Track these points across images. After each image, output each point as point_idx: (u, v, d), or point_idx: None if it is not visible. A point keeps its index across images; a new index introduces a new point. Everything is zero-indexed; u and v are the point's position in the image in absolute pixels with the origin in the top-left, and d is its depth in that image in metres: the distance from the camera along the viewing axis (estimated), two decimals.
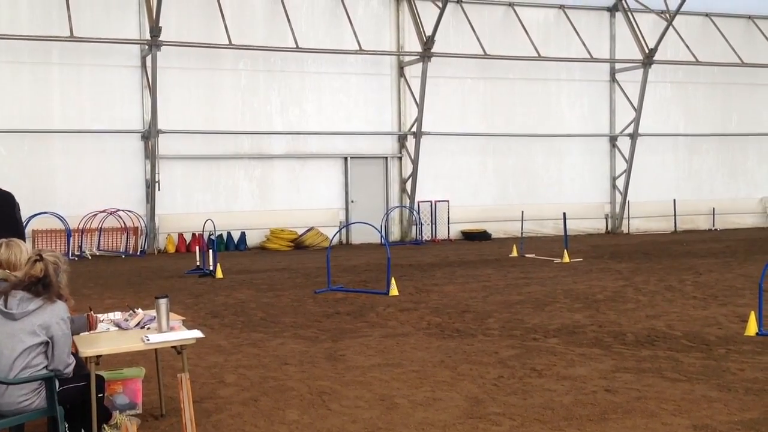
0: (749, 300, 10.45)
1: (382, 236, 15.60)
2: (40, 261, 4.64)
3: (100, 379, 4.96)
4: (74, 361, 4.72)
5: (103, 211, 18.56)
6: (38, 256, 4.67)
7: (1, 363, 4.49)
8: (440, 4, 19.98)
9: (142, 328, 5.38)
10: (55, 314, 4.59)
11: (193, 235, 19.07)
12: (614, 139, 24.12)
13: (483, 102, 22.54)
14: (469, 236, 22.07)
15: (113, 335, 5.24)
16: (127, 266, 16.27)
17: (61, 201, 18.19)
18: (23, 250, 5.00)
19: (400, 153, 21.74)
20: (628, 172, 23.56)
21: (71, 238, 18.13)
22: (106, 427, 5.23)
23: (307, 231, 20.17)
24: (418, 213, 21.73)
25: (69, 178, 18.38)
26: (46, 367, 4.58)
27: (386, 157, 21.67)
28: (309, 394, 6.31)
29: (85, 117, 18.51)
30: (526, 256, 17.17)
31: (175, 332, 5.20)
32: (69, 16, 17.74)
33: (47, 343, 4.56)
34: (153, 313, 5.40)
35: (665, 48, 23.24)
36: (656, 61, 22.81)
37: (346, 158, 21.09)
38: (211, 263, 14.42)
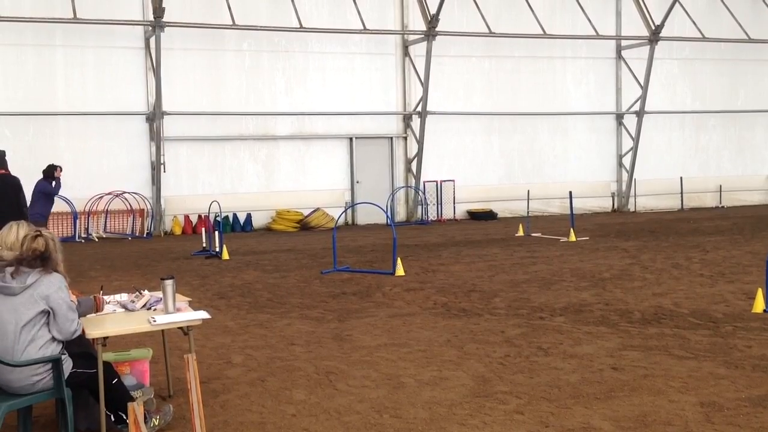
0: (756, 277, 10.43)
1: (387, 216, 15.60)
2: (41, 236, 4.73)
3: (109, 365, 4.97)
4: (80, 328, 4.73)
5: (109, 194, 18.59)
6: (38, 232, 4.76)
7: (8, 339, 4.54)
8: None
9: (149, 309, 5.38)
10: (53, 284, 4.65)
11: (199, 216, 19.10)
12: (620, 117, 24.00)
13: (488, 80, 22.42)
14: (474, 216, 22.05)
15: (120, 317, 5.24)
16: (133, 248, 16.31)
17: (67, 183, 18.11)
18: (13, 231, 4.90)
19: (405, 133, 21.68)
20: (634, 149, 23.47)
21: (77, 221, 18.19)
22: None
23: (313, 212, 20.18)
24: (424, 193, 21.70)
25: (74, 161, 18.37)
26: (52, 338, 4.62)
27: (391, 137, 21.61)
28: (316, 374, 6.33)
29: (89, 99, 18.49)
30: (532, 235, 17.15)
31: (182, 313, 5.20)
32: None
33: (48, 313, 4.61)
34: (159, 294, 5.41)
35: (672, 24, 23.05)
36: (663, 37, 22.64)
37: (351, 138, 21.04)
38: (217, 245, 14.45)
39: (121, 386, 4.98)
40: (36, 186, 13.00)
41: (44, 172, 13.25)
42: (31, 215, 12.46)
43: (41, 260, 4.68)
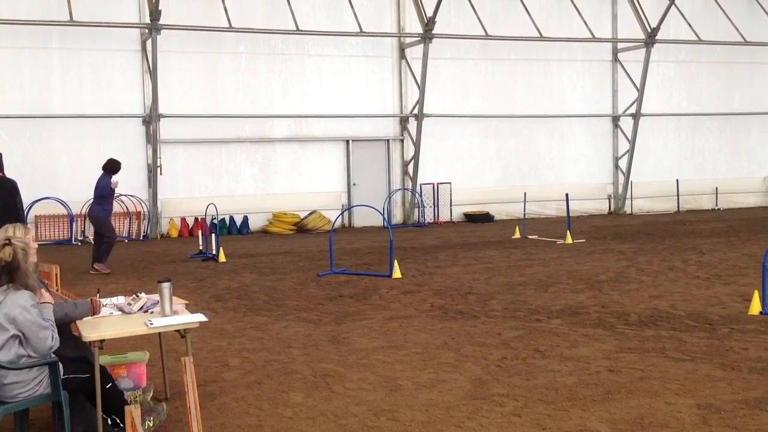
0: (753, 279, 10.44)
1: (384, 219, 15.61)
2: (9, 245, 4.46)
3: (103, 369, 4.94)
4: (56, 342, 4.53)
5: None
6: (7, 241, 4.47)
7: None
8: None
9: (146, 312, 5.38)
10: (18, 304, 4.39)
11: (196, 219, 19.08)
12: (617, 120, 24.03)
13: (485, 83, 22.44)
14: (471, 218, 22.06)
15: (116, 320, 5.23)
16: (130, 251, 16.29)
17: (64, 186, 18.17)
18: (9, 233, 4.63)
19: (402, 135, 21.68)
20: (630, 152, 23.50)
21: (74, 223, 18.15)
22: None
23: (310, 214, 20.16)
24: (421, 195, 21.70)
25: (71, 163, 18.36)
26: (29, 356, 4.49)
27: (388, 140, 21.62)
28: (313, 377, 6.32)
29: (85, 102, 18.46)
30: (529, 237, 17.16)
31: (179, 316, 5.20)
32: (68, 0, 17.66)
33: (18, 336, 4.43)
34: (156, 297, 5.40)
35: (667, 27, 23.09)
36: (659, 40, 22.69)
37: (347, 141, 21.05)
38: (213, 247, 14.44)
39: (115, 390, 4.95)
40: (99, 181, 12.97)
41: (104, 167, 13.08)
42: (97, 211, 12.88)
43: (7, 273, 4.43)
